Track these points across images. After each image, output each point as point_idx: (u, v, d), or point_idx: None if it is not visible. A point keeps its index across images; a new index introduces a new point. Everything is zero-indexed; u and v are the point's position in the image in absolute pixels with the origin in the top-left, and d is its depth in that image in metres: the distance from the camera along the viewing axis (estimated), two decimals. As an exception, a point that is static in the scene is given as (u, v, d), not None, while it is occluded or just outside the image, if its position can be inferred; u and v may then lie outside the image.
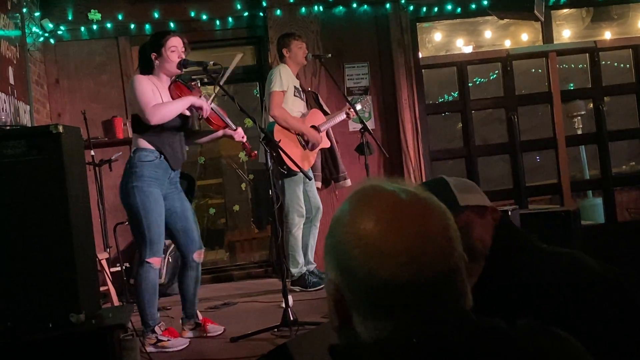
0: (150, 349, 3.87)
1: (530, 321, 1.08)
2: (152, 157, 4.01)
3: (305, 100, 5.83)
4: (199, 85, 4.46)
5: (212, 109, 4.20)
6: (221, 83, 4.31)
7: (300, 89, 5.76)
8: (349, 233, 1.03)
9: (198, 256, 4.26)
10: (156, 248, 4.01)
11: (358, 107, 5.81)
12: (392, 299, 1.00)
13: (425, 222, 1.02)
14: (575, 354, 1.04)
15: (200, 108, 4.10)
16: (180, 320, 4.36)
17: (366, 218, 1.03)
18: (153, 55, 4.11)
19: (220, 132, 4.33)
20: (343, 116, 5.85)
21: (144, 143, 4.03)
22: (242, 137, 4.30)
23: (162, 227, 4.03)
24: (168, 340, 3.96)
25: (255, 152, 4.38)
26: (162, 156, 4.04)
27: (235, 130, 4.27)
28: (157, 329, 4.00)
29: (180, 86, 4.20)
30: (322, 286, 5.54)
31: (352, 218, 1.04)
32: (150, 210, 3.95)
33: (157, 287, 4.11)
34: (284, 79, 5.51)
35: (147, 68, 4.15)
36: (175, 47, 4.11)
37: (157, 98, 4.04)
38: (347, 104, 5.86)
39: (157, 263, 4.06)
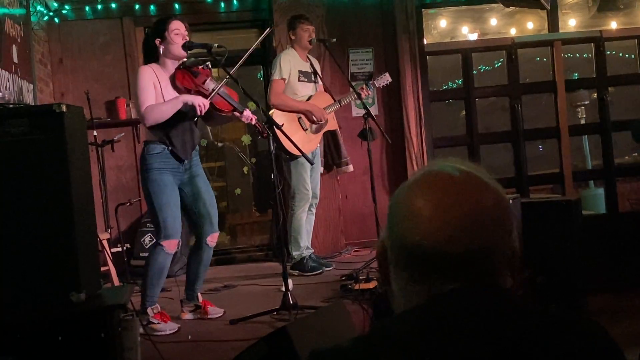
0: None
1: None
2: (160, 149, 4.08)
3: (314, 82, 5.80)
4: (209, 67, 4.42)
5: (219, 93, 4.17)
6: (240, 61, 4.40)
7: (308, 72, 5.74)
8: (401, 203, 1.11)
9: (212, 239, 4.34)
10: (170, 231, 4.08)
11: (380, 82, 5.85)
12: (425, 263, 1.06)
13: (470, 198, 1.07)
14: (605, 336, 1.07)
15: (193, 106, 4.02)
16: (180, 302, 4.38)
17: (419, 193, 1.09)
18: (157, 41, 4.12)
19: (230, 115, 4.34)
20: (349, 99, 5.81)
21: (151, 136, 4.12)
22: (250, 119, 4.26)
23: (174, 211, 4.10)
24: (158, 323, 3.99)
25: (267, 131, 4.27)
26: (169, 148, 4.08)
27: (241, 113, 4.24)
28: (149, 310, 4.03)
29: (184, 73, 4.19)
30: (320, 271, 5.57)
31: (408, 191, 1.11)
32: (159, 194, 4.05)
33: (165, 271, 4.16)
34: (284, 67, 5.54)
35: (151, 57, 4.18)
36: (178, 29, 4.12)
37: (157, 93, 4.06)
38: (356, 86, 5.82)
39: (172, 247, 4.12)
